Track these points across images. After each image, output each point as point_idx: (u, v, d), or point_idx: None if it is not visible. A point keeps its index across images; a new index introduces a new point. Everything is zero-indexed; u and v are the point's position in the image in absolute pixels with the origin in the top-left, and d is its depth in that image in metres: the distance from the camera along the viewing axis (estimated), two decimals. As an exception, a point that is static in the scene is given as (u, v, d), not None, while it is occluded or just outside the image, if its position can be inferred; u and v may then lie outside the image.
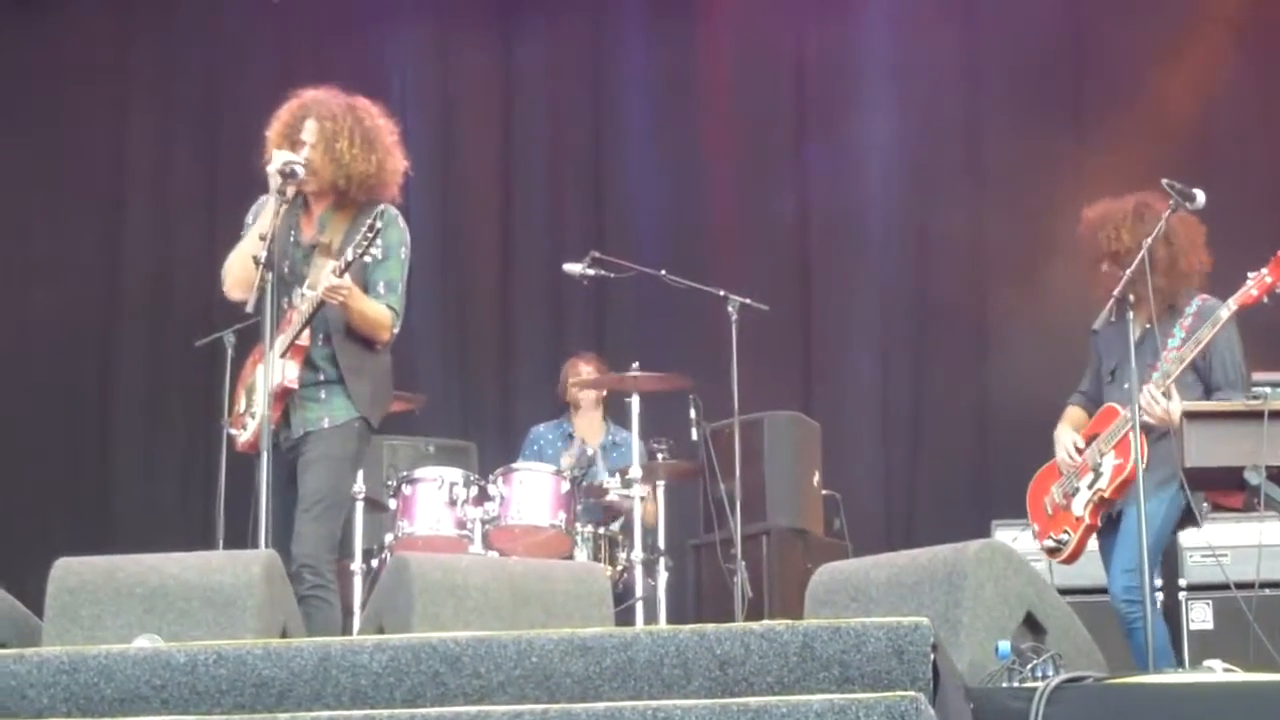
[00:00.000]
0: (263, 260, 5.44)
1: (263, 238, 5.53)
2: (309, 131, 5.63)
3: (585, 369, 8.27)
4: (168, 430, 9.48)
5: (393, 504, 7.16)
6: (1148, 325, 5.57)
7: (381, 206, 5.55)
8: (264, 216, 5.60)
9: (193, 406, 9.24)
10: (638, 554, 7.15)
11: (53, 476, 9.30)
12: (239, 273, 5.64)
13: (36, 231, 9.57)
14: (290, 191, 5.57)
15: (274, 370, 5.46)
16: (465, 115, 9.73)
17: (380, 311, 5.59)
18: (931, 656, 3.73)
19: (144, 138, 9.76)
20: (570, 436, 8.22)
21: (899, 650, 3.73)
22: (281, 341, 5.54)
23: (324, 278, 5.47)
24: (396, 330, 5.66)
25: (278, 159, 5.57)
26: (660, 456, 7.50)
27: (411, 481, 7.14)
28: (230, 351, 7.19)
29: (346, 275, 5.46)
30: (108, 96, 9.71)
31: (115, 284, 9.60)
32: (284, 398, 5.52)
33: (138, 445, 9.48)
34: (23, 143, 9.53)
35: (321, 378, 5.58)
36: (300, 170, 5.55)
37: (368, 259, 5.47)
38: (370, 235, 5.41)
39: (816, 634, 3.76)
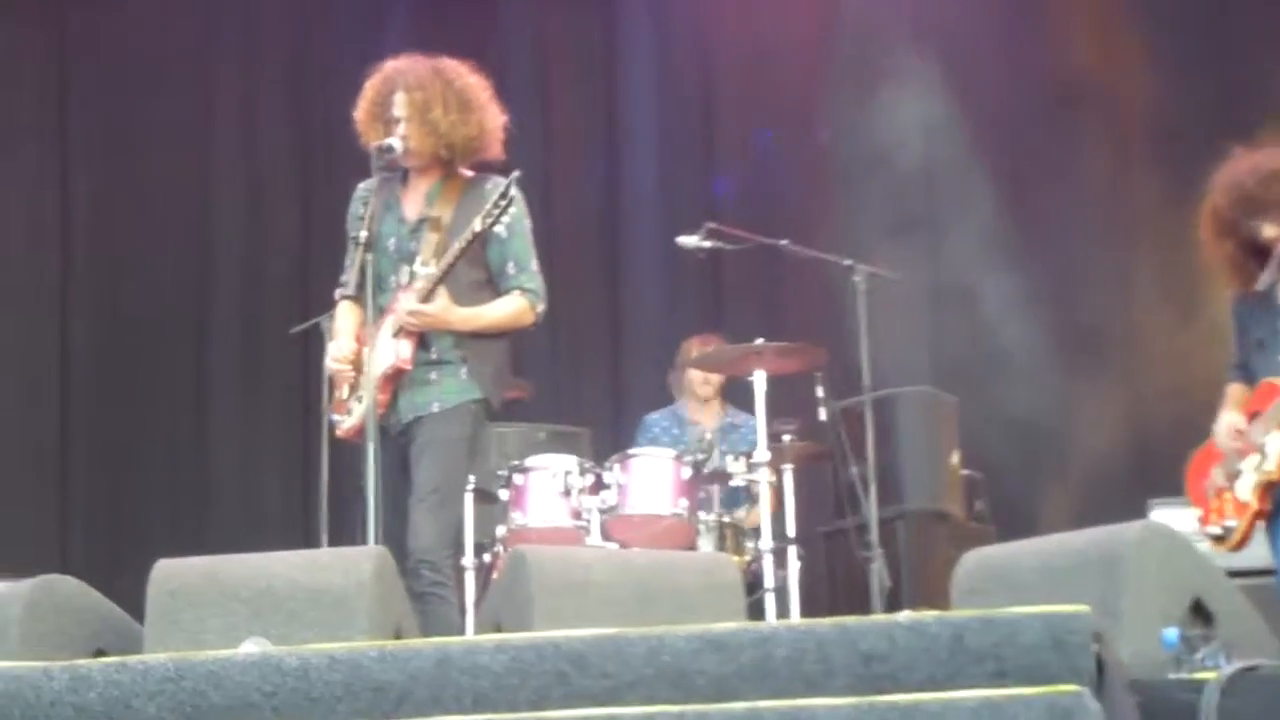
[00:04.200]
0: (362, 242, 5.50)
1: (360, 217, 5.59)
2: (399, 105, 5.63)
3: (703, 351, 8.26)
4: (265, 421, 9.59)
5: (504, 495, 7.17)
6: None
7: (513, 176, 5.52)
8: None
9: (290, 396, 9.33)
10: (766, 542, 7.12)
11: (145, 472, 9.45)
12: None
13: (121, 219, 9.70)
14: (391, 166, 5.62)
15: (384, 350, 5.48)
16: (566, 79, 9.73)
17: (508, 307, 5.60)
18: (1094, 647, 3.67)
19: (230, 116, 9.86)
20: (686, 422, 8.21)
21: (1058, 641, 3.67)
22: (392, 321, 5.55)
23: (403, 301, 5.49)
24: (541, 310, 5.65)
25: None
26: (787, 438, 7.45)
27: (523, 470, 7.15)
28: (328, 337, 7.23)
29: (440, 292, 5.46)
30: (192, 74, 9.80)
31: (206, 270, 9.73)
32: (396, 379, 5.54)
33: (234, 438, 9.60)
34: (102, 124, 9.65)
35: (434, 357, 5.59)
36: (398, 147, 5.58)
37: (499, 229, 5.45)
38: (504, 203, 5.40)
39: (967, 625, 3.71)
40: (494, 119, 5.71)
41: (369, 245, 5.50)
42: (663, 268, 9.34)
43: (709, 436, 8.01)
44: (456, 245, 5.49)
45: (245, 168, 9.82)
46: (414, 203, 5.74)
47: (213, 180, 9.79)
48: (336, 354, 5.72)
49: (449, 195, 5.69)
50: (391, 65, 5.72)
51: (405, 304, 5.51)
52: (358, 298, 5.67)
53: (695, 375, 8.28)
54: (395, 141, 5.59)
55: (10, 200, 9.62)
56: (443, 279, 5.50)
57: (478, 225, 5.43)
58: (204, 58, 9.84)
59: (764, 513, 7.14)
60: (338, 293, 5.86)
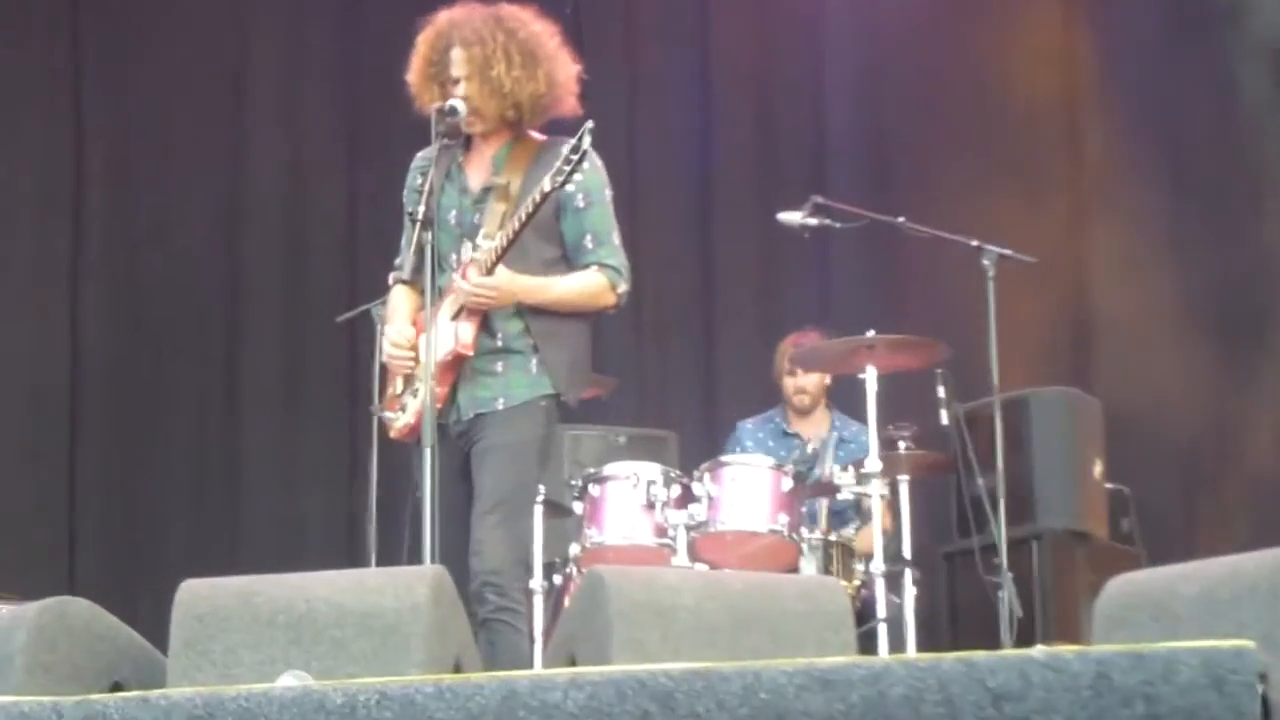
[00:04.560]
0: (420, 218, 5.49)
1: (418, 190, 5.59)
2: (457, 63, 5.63)
3: (790, 364, 8.24)
4: (306, 421, 9.65)
5: (578, 508, 7.19)
6: None
7: (585, 127, 5.47)
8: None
9: (335, 392, 9.40)
10: (879, 565, 7.08)
11: (168, 479, 9.51)
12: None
13: (141, 195, 9.77)
14: (452, 133, 5.62)
15: (443, 334, 5.48)
16: (652, 39, 9.73)
17: (584, 282, 5.59)
18: (1260, 688, 3.64)
19: (266, 79, 9.90)
20: (785, 433, 8.19)
21: (1218, 681, 3.63)
22: (452, 303, 5.55)
23: (468, 276, 5.47)
24: (623, 289, 5.65)
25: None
26: (903, 446, 7.42)
27: (600, 480, 7.16)
28: (379, 326, 7.26)
29: (501, 269, 5.45)
30: (221, 32, 9.86)
31: (238, 253, 9.79)
32: (456, 367, 5.54)
33: (270, 441, 9.66)
34: (118, 89, 9.71)
35: (500, 344, 5.59)
36: (461, 109, 5.58)
37: (570, 187, 5.42)
38: (575, 158, 5.35)
39: (1114, 662, 3.67)
40: (565, 70, 5.70)
41: (427, 222, 5.49)
42: (762, 248, 9.32)
43: (812, 449, 7.99)
44: (522, 211, 5.48)
45: (283, 136, 9.88)
46: (478, 171, 5.74)
47: (245, 151, 9.85)
48: (395, 337, 5.72)
49: (518, 160, 5.69)
50: (445, 17, 5.71)
51: (473, 281, 5.50)
52: (415, 281, 5.68)
53: (789, 384, 8.28)
54: (458, 103, 5.59)
55: (15, 173, 9.68)
56: (507, 251, 5.49)
57: (547, 185, 5.41)
58: (237, 13, 9.88)
59: (876, 531, 7.12)
60: (392, 276, 5.87)
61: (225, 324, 9.75)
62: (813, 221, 7.59)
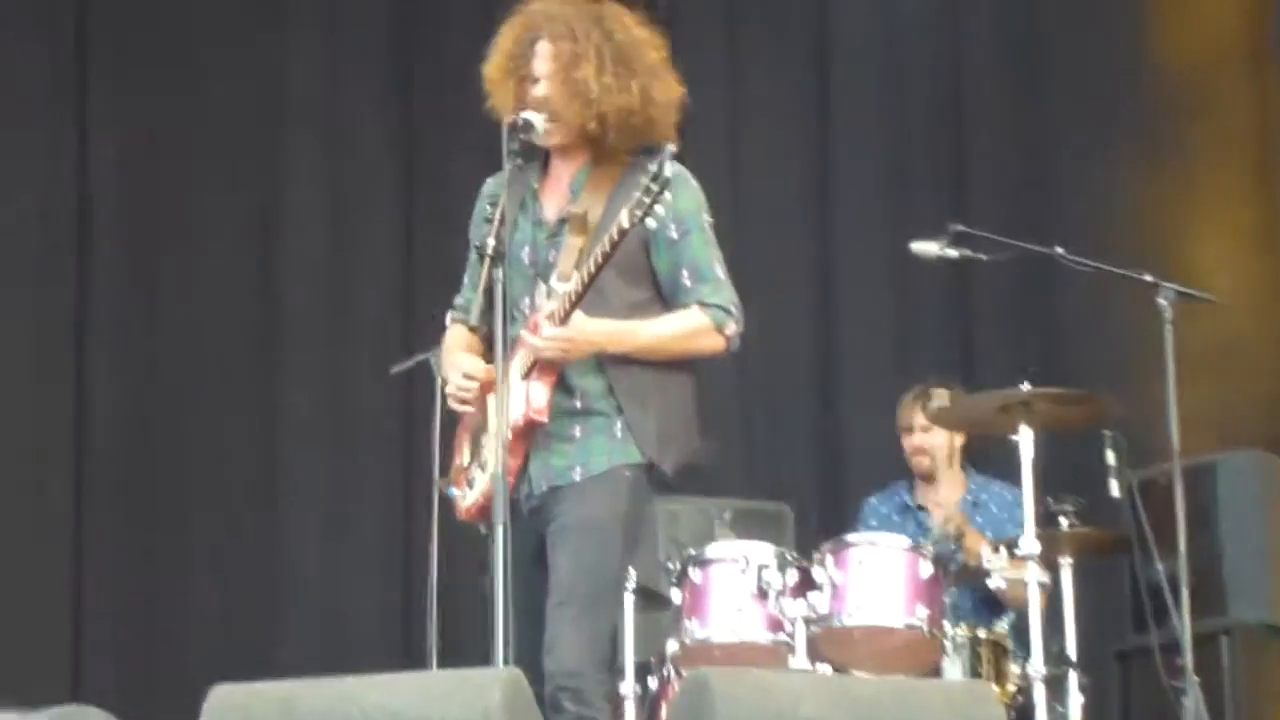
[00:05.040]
0: (489, 252, 5.49)
1: (488, 220, 5.60)
2: (541, 58, 5.67)
3: (915, 421, 8.29)
4: (355, 492, 9.69)
5: (676, 596, 7.17)
6: None
7: (665, 151, 5.47)
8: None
9: (388, 456, 9.47)
10: (1038, 666, 7.05)
11: (191, 562, 9.56)
12: None
13: (157, 221, 9.85)
14: (527, 152, 5.65)
15: (513, 397, 5.49)
16: (758, 37, 9.75)
17: (685, 323, 5.61)
18: None
19: (306, 92, 9.99)
20: (908, 507, 8.26)
21: None
22: (522, 359, 5.56)
23: (541, 325, 5.48)
24: (734, 330, 5.64)
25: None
26: (1065, 522, 7.39)
27: (702, 563, 7.13)
28: (437, 374, 7.28)
29: (577, 315, 5.45)
30: (253, 33, 9.96)
31: (274, 291, 9.87)
32: (529, 435, 5.55)
33: (311, 518, 9.71)
34: (131, 95, 9.81)
35: (578, 405, 5.60)
36: (538, 124, 5.59)
37: (651, 223, 5.40)
38: (654, 188, 5.33)
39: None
40: (665, 90, 5.72)
41: (498, 257, 5.49)
42: (891, 285, 9.33)
43: (952, 530, 7.95)
44: (599, 250, 5.48)
45: (326, 155, 9.95)
46: (554, 197, 5.77)
47: (283, 171, 9.93)
48: (468, 369, 5.73)
49: (599, 185, 5.70)
50: (539, 7, 5.75)
51: (546, 331, 5.51)
52: (480, 328, 5.70)
53: (906, 443, 8.34)
54: (534, 117, 5.61)
55: (15, 189, 9.74)
56: (583, 296, 5.50)
57: (624, 220, 5.38)
58: (269, 20, 9.97)
59: (1034, 625, 7.08)
60: (451, 314, 5.90)
61: (258, 380, 9.79)
62: (953, 253, 7.57)
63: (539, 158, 5.77)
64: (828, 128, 9.74)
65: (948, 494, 8.27)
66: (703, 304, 5.64)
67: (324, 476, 9.72)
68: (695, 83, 5.93)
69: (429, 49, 9.54)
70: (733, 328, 5.66)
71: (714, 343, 5.66)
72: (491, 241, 5.51)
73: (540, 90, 5.65)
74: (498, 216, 5.55)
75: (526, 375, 5.56)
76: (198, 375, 9.68)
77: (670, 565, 7.23)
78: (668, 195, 5.38)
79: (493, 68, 5.77)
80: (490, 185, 5.82)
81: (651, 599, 7.31)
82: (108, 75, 9.84)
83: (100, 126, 9.78)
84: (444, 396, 5.94)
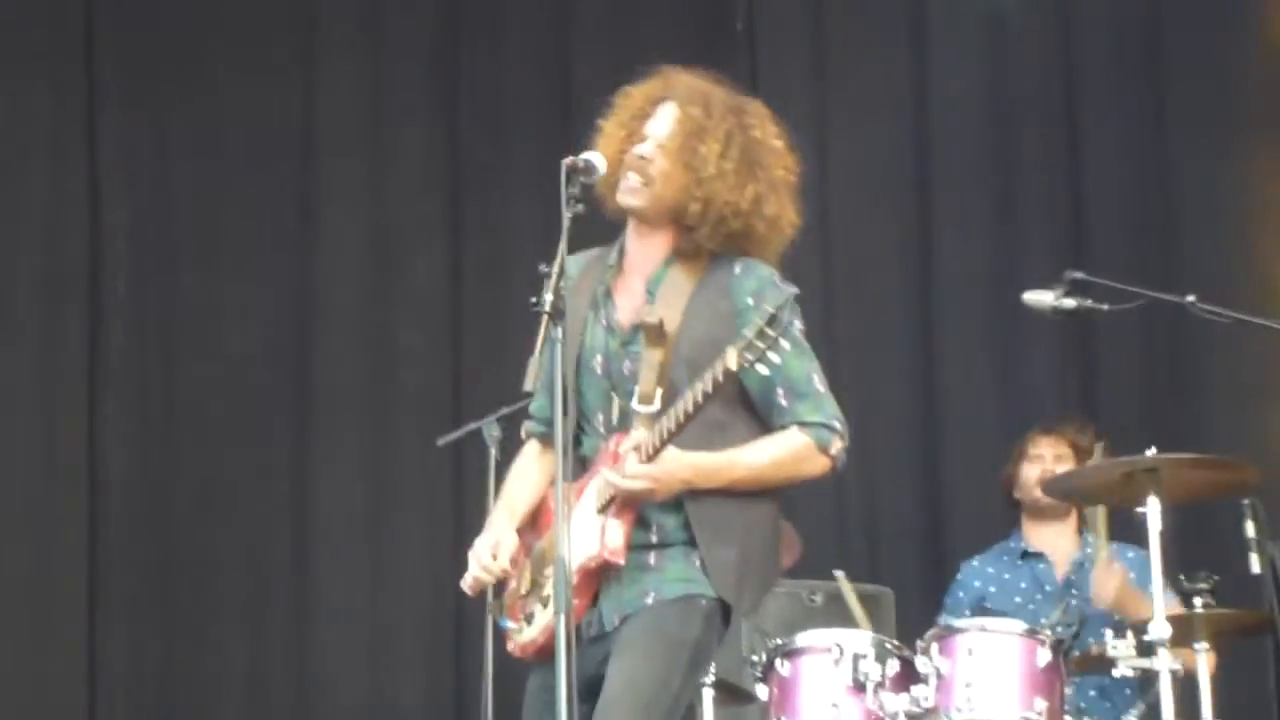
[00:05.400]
0: (547, 309, 5.26)
1: (545, 274, 5.43)
2: (661, 120, 5.65)
3: (1048, 451, 8.29)
4: (392, 585, 9.71)
5: (762, 692, 7.19)
6: None
7: (786, 293, 5.46)
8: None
9: (433, 543, 9.47)
10: (1175, 765, 7.08)
11: (217, 659, 9.60)
12: None
13: (176, 271, 9.95)
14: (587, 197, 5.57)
15: (586, 533, 5.44)
16: (848, 64, 9.83)
17: (785, 447, 5.53)
18: None
19: (342, 125, 10.07)
20: (1025, 554, 8.27)
21: None
22: (600, 492, 5.51)
23: (625, 459, 5.42)
24: (839, 449, 5.55)
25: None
26: (1200, 603, 7.40)
27: (791, 654, 7.12)
28: (494, 453, 7.29)
29: (670, 453, 5.37)
30: (280, 58, 10.09)
31: (307, 351, 9.93)
32: (600, 575, 5.50)
33: (347, 613, 9.71)
34: (145, 136, 9.90)
35: (655, 539, 5.54)
36: (599, 166, 5.51)
37: (763, 369, 5.29)
38: (771, 334, 5.21)
39: None
40: (778, 208, 5.66)
41: (556, 314, 5.24)
42: (1002, 340, 9.39)
43: (1074, 603, 7.97)
44: (695, 391, 5.35)
45: (364, 199, 10.01)
46: (629, 296, 5.69)
47: (316, 220, 10.00)
48: (483, 552, 5.65)
49: (677, 288, 5.61)
50: (681, 75, 5.76)
51: (614, 470, 5.45)
52: (549, 436, 5.57)
53: (1026, 473, 8.33)
54: (594, 157, 5.51)
55: (18, 243, 9.85)
56: (676, 435, 5.39)
57: (731, 362, 5.24)
58: (301, 49, 10.09)
59: (1167, 717, 7.11)
60: (525, 427, 5.84)
61: (289, 448, 9.84)
62: (1070, 303, 7.56)
63: (617, 245, 5.75)
64: (927, 160, 9.80)
65: (1067, 541, 8.30)
66: (802, 424, 5.54)
67: (362, 561, 9.73)
68: (780, 120, 5.96)
69: (471, 82, 9.59)
70: (838, 445, 5.56)
71: (818, 465, 5.57)
72: (548, 297, 5.27)
73: (646, 149, 5.60)
74: (555, 269, 5.34)
75: (603, 509, 5.49)
76: (223, 438, 9.74)
77: (755, 658, 7.26)
78: (784, 344, 5.29)
79: (612, 122, 5.74)
80: (570, 267, 5.51)
81: (734, 695, 7.34)
82: (119, 106, 9.95)
83: (110, 180, 9.91)
84: (496, 473, 5.86)
